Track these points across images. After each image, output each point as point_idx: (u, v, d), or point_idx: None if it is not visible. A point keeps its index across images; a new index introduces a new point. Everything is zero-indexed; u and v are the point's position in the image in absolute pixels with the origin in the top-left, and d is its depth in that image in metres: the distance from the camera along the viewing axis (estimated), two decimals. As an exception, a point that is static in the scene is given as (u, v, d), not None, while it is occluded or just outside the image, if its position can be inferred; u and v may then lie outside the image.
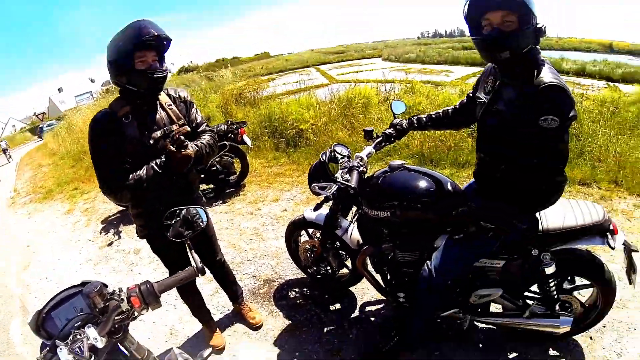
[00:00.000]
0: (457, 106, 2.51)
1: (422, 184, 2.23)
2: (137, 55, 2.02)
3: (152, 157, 2.14)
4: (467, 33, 1.89)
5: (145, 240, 2.47)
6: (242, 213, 5.06)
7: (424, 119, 2.59)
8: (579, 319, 2.42)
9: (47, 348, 1.22)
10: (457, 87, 8.75)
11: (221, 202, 5.52)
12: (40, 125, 40.14)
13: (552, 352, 2.52)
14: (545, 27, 1.72)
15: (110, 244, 5.15)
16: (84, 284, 1.34)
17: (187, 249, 1.62)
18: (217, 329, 3.00)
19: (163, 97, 2.31)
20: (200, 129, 2.41)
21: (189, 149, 2.09)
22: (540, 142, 1.71)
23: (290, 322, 3.08)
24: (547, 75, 1.69)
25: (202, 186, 5.79)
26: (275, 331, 3.02)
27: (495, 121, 1.91)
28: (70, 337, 1.17)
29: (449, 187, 2.26)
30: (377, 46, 59.71)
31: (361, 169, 2.31)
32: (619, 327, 2.65)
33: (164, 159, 2.10)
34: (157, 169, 2.09)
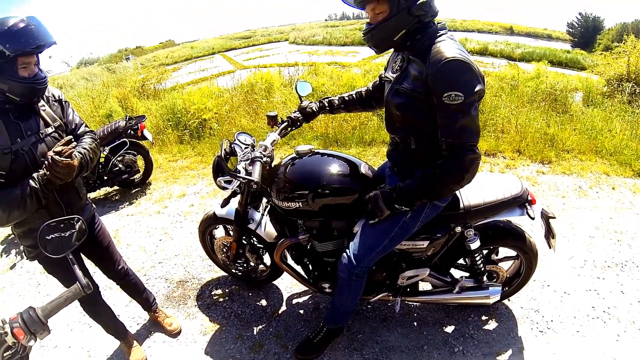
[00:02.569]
0: (371, 87, 2.41)
1: (333, 169, 2.12)
2: (20, 61, 1.76)
3: (28, 166, 1.84)
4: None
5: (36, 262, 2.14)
6: (149, 213, 4.72)
7: (336, 101, 2.46)
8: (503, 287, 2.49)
9: None
10: (362, 67, 8.91)
11: (127, 203, 5.09)
12: None
13: (481, 317, 2.64)
14: (426, 3, 1.66)
15: (13, 267, 4.58)
16: None
17: (70, 264, 1.43)
18: (135, 342, 2.73)
19: None
20: (80, 130, 2.12)
21: (73, 156, 1.81)
22: (446, 119, 1.64)
23: (208, 322, 2.92)
24: (449, 50, 1.62)
25: (106, 189, 5.37)
26: (195, 335, 2.84)
27: (401, 100, 1.81)
28: None
29: (362, 170, 2.18)
30: (284, 30, 59.57)
31: (264, 159, 2.09)
32: (533, 286, 2.84)
33: (43, 172, 1.78)
34: (35, 184, 1.76)
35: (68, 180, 1.85)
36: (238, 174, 1.99)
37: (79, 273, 1.37)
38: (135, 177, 5.36)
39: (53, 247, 1.46)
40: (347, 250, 2.09)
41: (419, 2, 1.64)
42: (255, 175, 1.95)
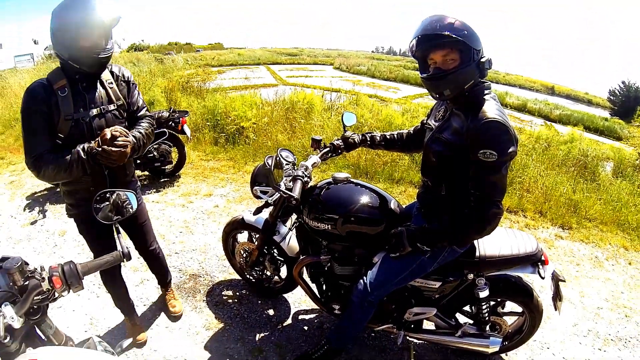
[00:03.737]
0: (412, 131, 2.55)
1: (365, 199, 2.25)
2: (82, 32, 1.90)
3: (84, 136, 2.01)
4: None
5: (72, 220, 2.35)
6: (174, 204, 4.88)
7: (378, 137, 2.60)
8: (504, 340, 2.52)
9: None
10: (402, 105, 8.96)
11: (154, 190, 5.27)
12: None
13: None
14: (490, 60, 1.81)
15: (34, 223, 4.74)
16: (3, 259, 1.23)
17: (115, 233, 1.55)
18: (140, 322, 2.85)
19: (105, 74, 2.16)
20: (140, 113, 2.30)
21: (128, 143, 1.96)
22: (478, 174, 1.77)
23: (213, 319, 3.01)
24: (490, 111, 1.75)
25: (137, 172, 5.52)
26: (198, 327, 2.94)
27: (439, 148, 1.94)
28: None
29: (391, 206, 2.31)
30: (331, 54, 59.98)
31: (305, 179, 2.26)
32: (533, 346, 2.85)
33: (93, 145, 1.92)
34: (83, 155, 1.92)
35: (120, 164, 2.00)
36: (280, 188, 2.13)
37: (123, 242, 1.46)
38: (166, 167, 5.54)
39: (104, 214, 1.58)
40: (365, 278, 2.19)
41: (484, 58, 1.79)
42: (296, 193, 2.11)
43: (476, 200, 1.80)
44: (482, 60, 1.79)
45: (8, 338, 1.10)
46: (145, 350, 2.74)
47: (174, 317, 3.00)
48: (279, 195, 2.25)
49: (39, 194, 5.59)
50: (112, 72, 2.21)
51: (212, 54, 41.54)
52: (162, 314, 3.06)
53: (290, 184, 2.20)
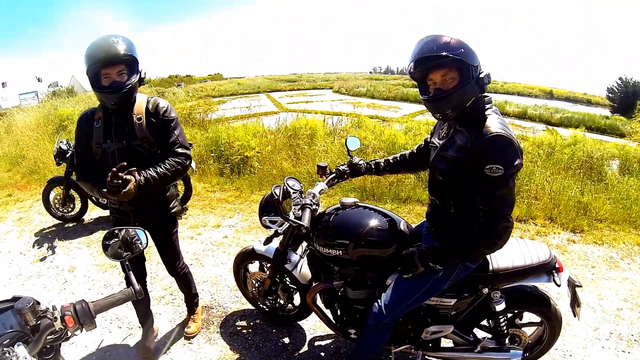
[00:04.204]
0: (415, 150, 2.56)
1: (374, 222, 2.26)
2: (102, 72, 2.15)
3: (109, 164, 2.18)
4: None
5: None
6: (183, 237, 4.85)
7: (382, 164, 2.62)
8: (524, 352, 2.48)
9: None
10: (404, 123, 8.94)
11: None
12: None
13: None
14: (489, 75, 1.83)
15: (43, 259, 4.76)
16: (15, 299, 1.25)
17: (126, 270, 1.54)
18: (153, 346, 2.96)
19: (138, 108, 2.31)
20: (173, 149, 2.37)
21: (128, 180, 2.07)
22: (484, 189, 1.77)
23: (228, 350, 2.99)
24: (494, 125, 1.76)
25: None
26: (213, 359, 2.92)
27: (445, 166, 1.95)
28: None
29: (401, 227, 2.31)
30: (329, 77, 60.93)
31: (313, 206, 2.28)
32: (555, 355, 2.80)
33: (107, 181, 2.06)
34: (99, 188, 2.17)
35: (126, 199, 2.11)
36: (289, 218, 2.16)
37: (133, 279, 1.46)
38: None
39: (113, 251, 1.59)
40: (379, 301, 2.17)
41: (482, 73, 1.81)
42: (305, 221, 2.13)
43: (485, 216, 1.79)
44: (481, 75, 1.80)
45: None
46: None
47: (187, 337, 3.06)
48: (288, 224, 2.27)
49: (47, 230, 5.62)
50: (147, 107, 2.33)
51: (212, 84, 42.16)
52: (179, 342, 3.07)
53: (299, 212, 2.22)
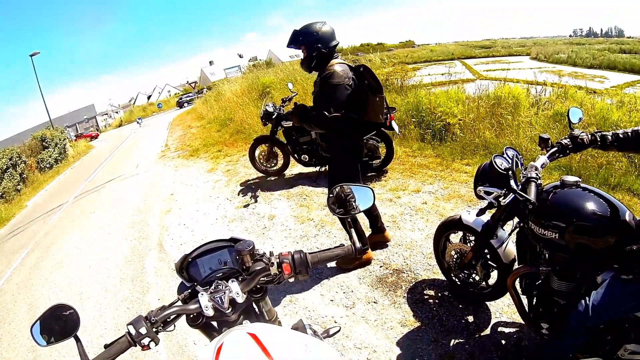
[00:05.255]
0: None
1: (597, 207, 1.94)
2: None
3: None
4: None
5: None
6: (382, 199, 5.00)
7: (609, 137, 2.21)
8: None
9: (188, 290, 1.30)
10: (615, 97, 7.45)
11: (362, 184, 5.51)
12: (181, 99, 46.87)
13: None
14: None
15: (246, 206, 5.44)
16: (233, 240, 1.41)
17: (347, 227, 1.53)
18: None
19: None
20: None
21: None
22: None
23: (410, 316, 3.03)
24: None
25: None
26: (393, 322, 2.99)
27: None
28: (213, 286, 1.22)
29: (627, 218, 1.94)
30: (525, 43, 55.60)
31: (539, 181, 2.08)
32: None
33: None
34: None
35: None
36: (517, 191, 2.03)
37: (354, 236, 1.42)
38: (374, 162, 5.78)
39: (329, 205, 1.56)
40: (587, 299, 1.92)
41: None
42: (532, 196, 1.98)
43: None
44: None
45: (230, 309, 1.21)
46: (338, 335, 2.90)
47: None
48: (511, 197, 2.12)
49: (251, 182, 6.39)
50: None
51: (404, 51, 41.91)
52: (360, 304, 3.20)
53: (523, 186, 2.07)
